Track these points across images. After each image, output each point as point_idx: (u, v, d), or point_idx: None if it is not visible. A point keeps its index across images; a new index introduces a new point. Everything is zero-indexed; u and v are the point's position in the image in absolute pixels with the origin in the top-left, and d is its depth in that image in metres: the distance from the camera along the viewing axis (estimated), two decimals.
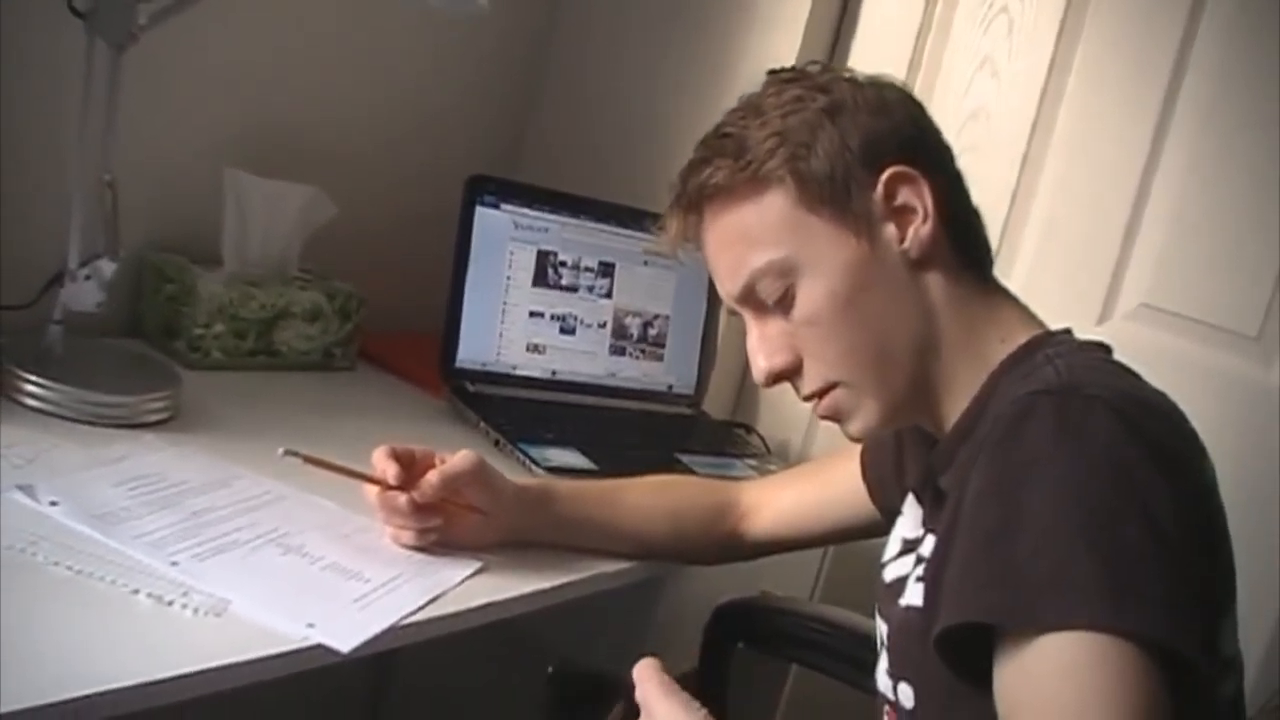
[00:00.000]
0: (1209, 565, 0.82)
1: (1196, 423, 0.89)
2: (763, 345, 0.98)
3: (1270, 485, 1.44)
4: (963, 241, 0.98)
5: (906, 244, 0.95)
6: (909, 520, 1.04)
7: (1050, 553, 0.76)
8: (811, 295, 0.95)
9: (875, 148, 0.95)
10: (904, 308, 0.95)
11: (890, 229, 0.95)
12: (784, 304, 0.96)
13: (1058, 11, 1.62)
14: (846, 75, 1.00)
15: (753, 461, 1.59)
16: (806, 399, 0.99)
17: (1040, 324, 0.99)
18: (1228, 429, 1.47)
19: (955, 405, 0.96)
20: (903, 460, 1.11)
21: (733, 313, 1.02)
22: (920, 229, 0.95)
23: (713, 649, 1.35)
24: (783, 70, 1.01)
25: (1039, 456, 0.79)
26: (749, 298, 0.98)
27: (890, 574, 1.02)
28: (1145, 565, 0.76)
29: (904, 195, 0.95)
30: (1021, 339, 0.95)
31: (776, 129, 0.95)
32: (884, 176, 0.94)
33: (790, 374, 0.98)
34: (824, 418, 0.99)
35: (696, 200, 0.99)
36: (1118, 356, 0.95)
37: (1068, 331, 0.98)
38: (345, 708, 1.75)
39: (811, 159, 0.94)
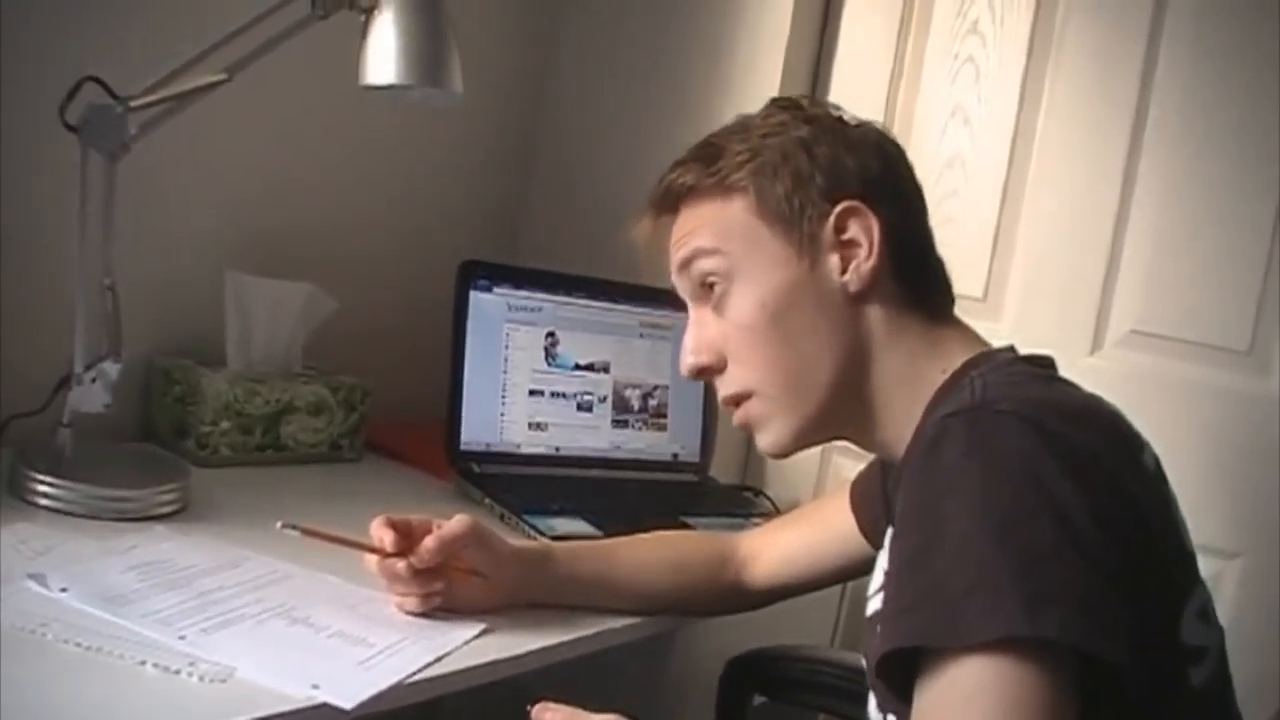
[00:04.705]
0: (1146, 558, 0.81)
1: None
2: (693, 341, 1.04)
3: (1275, 494, 1.44)
4: (911, 280, 1.00)
5: (846, 276, 0.98)
6: (887, 553, 1.05)
7: (966, 566, 0.76)
8: (743, 300, 1.00)
9: (837, 181, 0.99)
10: (831, 336, 0.99)
11: (834, 259, 0.99)
12: (719, 305, 1.01)
13: (1021, 55, 1.67)
14: (837, 113, 1.05)
15: (760, 520, 1.58)
16: (724, 403, 1.04)
17: (984, 348, 1.01)
18: (1230, 443, 1.49)
19: (899, 435, 0.98)
20: (889, 494, 1.12)
21: (672, 290, 1.07)
22: (862, 264, 0.98)
23: (729, 704, 1.35)
24: (783, 98, 1.08)
25: (951, 476, 0.80)
26: (685, 269, 1.03)
27: (870, 608, 1.03)
28: (1059, 568, 0.75)
29: (853, 230, 0.99)
30: (959, 365, 0.97)
31: (753, 145, 1.01)
32: (837, 209, 0.98)
33: (713, 373, 1.03)
34: (739, 425, 1.04)
35: (666, 197, 1.05)
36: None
37: (1010, 349, 1.00)
38: None
39: (776, 180, 0.99)
